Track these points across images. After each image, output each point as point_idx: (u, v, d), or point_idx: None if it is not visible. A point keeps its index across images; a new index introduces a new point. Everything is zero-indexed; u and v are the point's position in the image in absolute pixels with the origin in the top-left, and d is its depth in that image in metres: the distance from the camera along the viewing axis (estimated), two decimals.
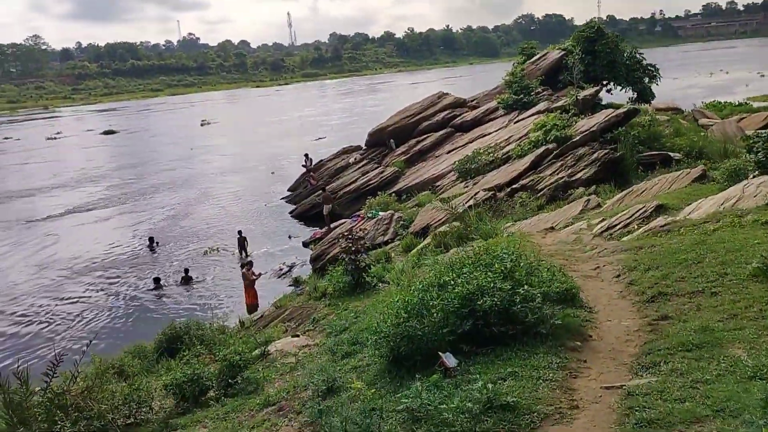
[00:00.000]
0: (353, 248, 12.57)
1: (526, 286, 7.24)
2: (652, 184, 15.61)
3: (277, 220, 33.63)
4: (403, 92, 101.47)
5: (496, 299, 6.98)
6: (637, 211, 12.54)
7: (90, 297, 24.02)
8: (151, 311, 22.36)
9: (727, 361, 5.83)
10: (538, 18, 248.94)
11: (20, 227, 36.09)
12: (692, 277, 8.06)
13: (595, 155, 22.83)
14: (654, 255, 9.28)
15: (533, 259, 8.62)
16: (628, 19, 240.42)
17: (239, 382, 9.23)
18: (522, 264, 7.85)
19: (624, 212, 12.95)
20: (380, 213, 25.64)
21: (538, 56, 41.42)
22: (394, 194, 30.38)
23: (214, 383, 9.41)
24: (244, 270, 22.74)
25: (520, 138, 29.43)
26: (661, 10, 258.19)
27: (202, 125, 78.89)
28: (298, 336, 10.44)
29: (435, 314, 7.07)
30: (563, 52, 39.36)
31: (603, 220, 13.30)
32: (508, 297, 7.05)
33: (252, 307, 22.33)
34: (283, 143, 59.78)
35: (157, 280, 24.64)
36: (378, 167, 35.22)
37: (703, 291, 7.58)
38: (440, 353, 6.90)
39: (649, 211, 12.37)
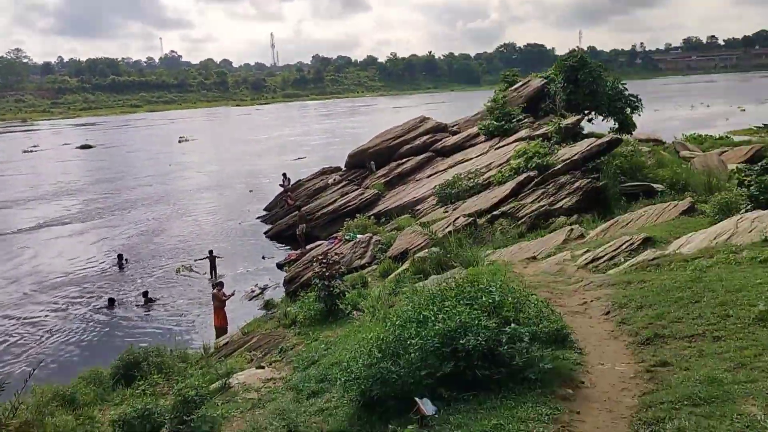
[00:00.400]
0: (327, 273, 11.75)
1: (513, 325, 6.49)
2: (638, 216, 15.05)
3: (251, 239, 32.73)
4: (385, 116, 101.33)
5: (480, 338, 6.22)
6: (624, 243, 11.92)
7: (48, 316, 22.87)
8: (113, 333, 21.27)
9: (742, 420, 5.11)
10: (519, 47, 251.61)
11: None
12: (690, 318, 7.37)
13: (577, 184, 22.34)
14: (645, 291, 8.61)
15: (520, 292, 7.87)
16: (608, 51, 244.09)
17: (195, 420, 8.36)
18: (509, 298, 7.15)
19: (609, 244, 12.32)
20: (358, 236, 24.89)
21: (520, 83, 41.23)
22: (372, 217, 29.65)
23: (168, 420, 8.53)
24: (214, 290, 21.79)
25: (500, 164, 28.95)
26: (642, 43, 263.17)
27: (180, 142, 77.89)
28: (263, 367, 9.57)
29: (412, 354, 6.30)
30: (545, 80, 39.20)
31: (587, 251, 12.67)
32: (494, 336, 6.30)
33: (221, 330, 21.36)
34: (262, 161, 59.08)
35: (111, 300, 23.57)
36: (357, 189, 34.57)
37: (703, 334, 6.88)
38: (417, 399, 6.12)
39: (636, 243, 11.76)
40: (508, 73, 45.32)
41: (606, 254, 11.80)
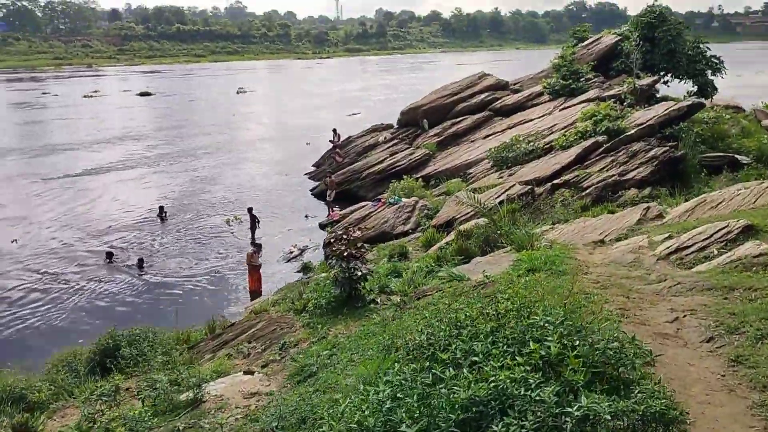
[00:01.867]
0: (347, 253, 9.76)
1: (585, 399, 3.91)
2: (731, 194, 12.45)
3: (297, 196, 31.05)
4: (447, 72, 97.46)
5: (528, 421, 3.81)
6: (718, 230, 9.51)
7: (73, 273, 21.62)
8: (135, 296, 19.90)
9: None
10: (590, 5, 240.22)
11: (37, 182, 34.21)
12: None
13: (652, 152, 19.59)
14: (762, 307, 6.31)
15: (600, 323, 5.28)
16: (684, 12, 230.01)
17: None
18: (578, 342, 4.43)
19: (698, 230, 9.90)
20: (403, 199, 22.81)
21: (590, 40, 37.76)
22: (421, 179, 27.47)
23: None
24: (250, 251, 20.26)
25: (565, 127, 26.22)
26: (720, 5, 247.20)
27: (238, 93, 76.60)
28: (252, 373, 7.72)
29: None
30: (619, 37, 35.70)
31: (669, 236, 10.28)
32: (551, 417, 3.84)
33: (255, 293, 19.95)
34: (321, 115, 56.98)
35: (141, 261, 22.18)
36: (408, 148, 32.32)
37: None
38: None
39: (735, 232, 9.34)
40: (579, 29, 41.71)
41: (695, 243, 9.41)
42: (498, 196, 18.80)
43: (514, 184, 19.23)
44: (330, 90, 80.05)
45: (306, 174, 35.17)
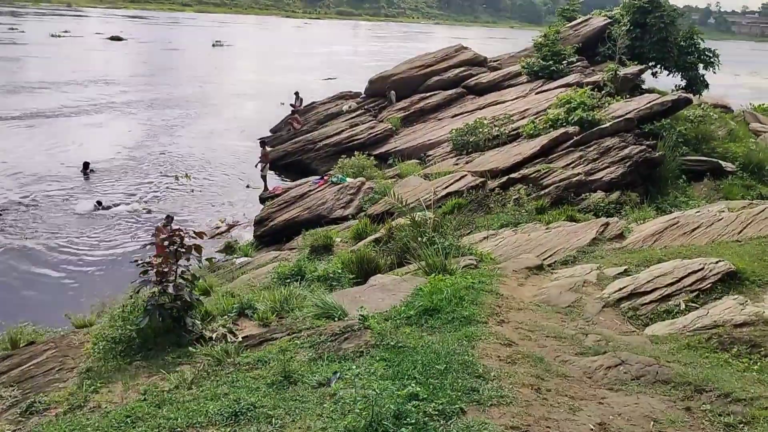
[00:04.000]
0: (173, 265, 6.77)
1: None
2: (711, 217, 9.87)
3: (244, 163, 28.18)
4: (439, 45, 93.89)
5: None
6: (689, 273, 7.08)
7: None
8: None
9: None
10: None
11: None
12: None
13: (627, 151, 17.08)
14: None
15: None
16: (681, 6, 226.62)
17: None
18: None
19: (663, 267, 7.46)
20: (347, 179, 20.17)
21: (578, 21, 34.95)
22: (375, 157, 24.85)
23: None
24: (159, 225, 17.55)
25: (538, 113, 23.65)
26: (717, 2, 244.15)
27: (213, 46, 72.81)
28: None
29: None
30: (609, 20, 32.93)
31: (626, 271, 7.86)
32: None
33: None
34: (298, 76, 53.55)
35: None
36: (371, 121, 29.56)
37: None
38: None
39: (712, 278, 6.90)
40: (567, 8, 38.80)
41: (656, 289, 6.97)
42: (445, 187, 16.27)
43: (466, 174, 16.64)
44: (313, 51, 76.45)
45: (259, 139, 32.27)
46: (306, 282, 10.94)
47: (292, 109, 33.07)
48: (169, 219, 17.64)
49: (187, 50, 68.52)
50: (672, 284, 6.95)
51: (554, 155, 17.83)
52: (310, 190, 19.90)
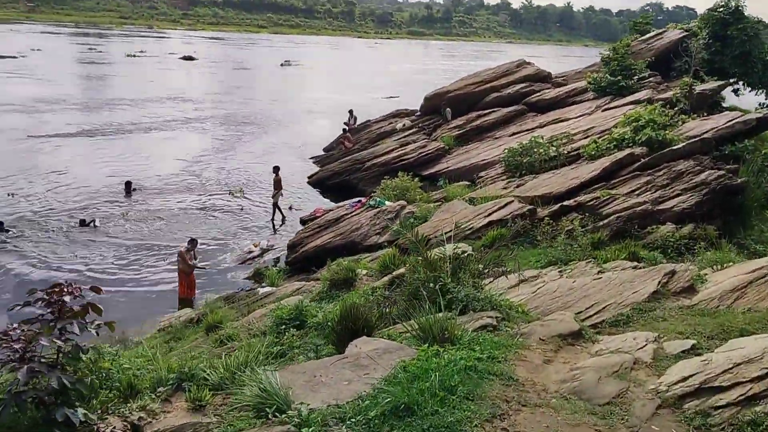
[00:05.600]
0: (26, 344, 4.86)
1: None
2: None
3: (292, 183, 26.76)
4: None
5: None
6: None
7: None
8: None
9: None
10: (666, 8, 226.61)
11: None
12: None
13: (703, 176, 14.56)
14: None
15: None
16: (766, 19, 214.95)
17: None
18: None
19: (748, 349, 5.28)
20: (386, 202, 18.34)
21: (652, 34, 32.13)
22: (423, 178, 23.02)
23: None
24: (182, 249, 16.17)
25: (603, 132, 21.23)
26: None
27: (282, 66, 72.79)
28: None
29: None
30: (685, 33, 30.03)
31: (694, 348, 5.69)
32: None
33: (185, 301, 15.94)
34: (362, 95, 52.33)
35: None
36: (424, 140, 27.71)
37: None
38: None
39: None
40: (640, 21, 35.86)
41: (736, 383, 4.81)
42: (488, 214, 14.20)
43: (513, 200, 14.50)
44: (381, 70, 75.35)
45: (312, 158, 30.99)
46: (304, 330, 9.18)
47: (345, 127, 31.63)
48: (193, 243, 16.28)
49: (256, 70, 68.72)
50: (761, 378, 4.78)
51: (617, 180, 15.47)
52: (345, 214, 18.19)
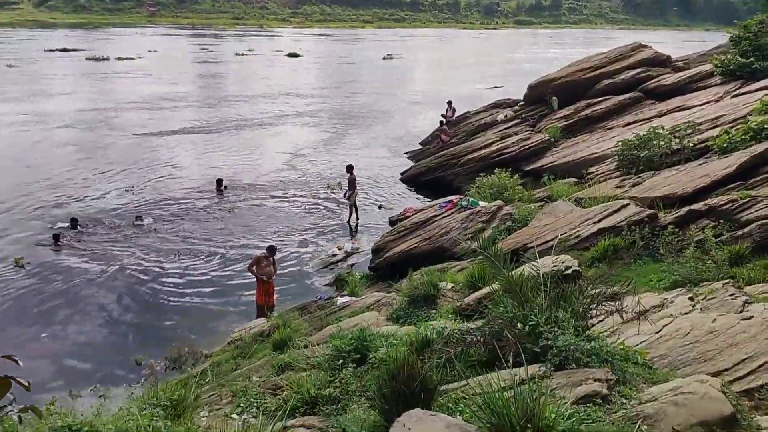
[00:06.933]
0: None
1: None
2: None
3: (382, 181, 25.28)
4: None
5: None
6: None
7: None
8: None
9: None
10: None
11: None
12: None
13: None
14: None
15: None
16: None
17: None
18: None
19: None
20: (480, 203, 16.35)
21: None
22: (525, 173, 20.84)
23: None
24: (260, 255, 14.97)
25: (734, 121, 18.17)
26: None
27: (384, 59, 71.66)
28: None
29: None
30: None
31: None
32: None
33: (262, 309, 14.73)
34: (465, 86, 50.18)
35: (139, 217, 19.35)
36: (527, 131, 25.34)
37: None
38: None
39: None
40: None
41: None
42: (598, 220, 11.93)
43: (629, 203, 12.12)
44: (487, 60, 72.54)
45: (406, 153, 29.34)
46: (365, 367, 7.53)
47: (442, 120, 29.76)
48: (272, 250, 15.00)
49: (359, 64, 67.95)
50: None
51: (757, 178, 12.70)
52: (434, 216, 16.36)
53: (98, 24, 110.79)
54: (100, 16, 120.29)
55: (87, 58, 61.89)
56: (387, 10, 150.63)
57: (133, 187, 23.13)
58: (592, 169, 19.24)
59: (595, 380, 4.96)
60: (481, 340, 6.27)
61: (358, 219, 20.42)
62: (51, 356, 12.73)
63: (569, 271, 8.91)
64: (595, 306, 6.44)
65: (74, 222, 18.80)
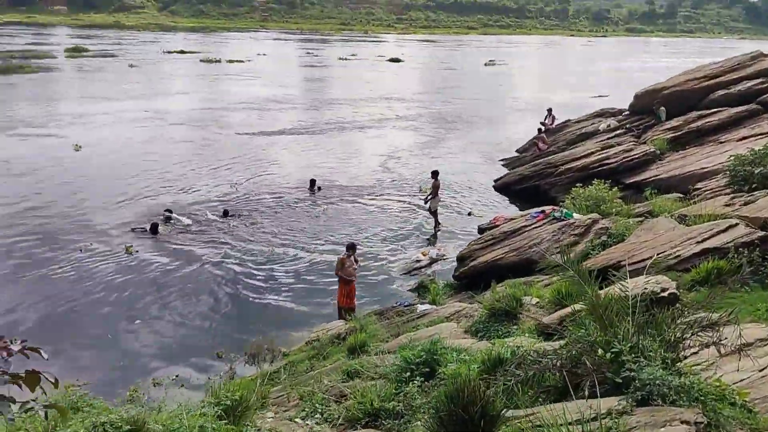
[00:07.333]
0: None
1: None
2: None
3: (475, 187, 24.68)
4: None
5: None
6: None
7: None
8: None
9: None
10: None
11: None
12: None
13: None
14: None
15: None
16: None
17: None
18: None
19: None
20: (574, 215, 15.51)
21: None
22: (625, 186, 19.69)
23: None
24: (342, 256, 14.85)
25: None
26: None
27: (486, 65, 70.72)
28: None
29: None
30: None
31: None
32: None
33: (345, 310, 14.57)
34: (568, 94, 48.73)
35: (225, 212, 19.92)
36: (631, 142, 24.00)
37: None
38: None
39: None
40: None
41: None
42: (701, 240, 10.93)
43: (737, 224, 11.02)
44: (593, 69, 70.08)
45: (501, 160, 28.55)
46: (433, 382, 7.13)
47: (540, 127, 28.79)
48: (353, 248, 14.86)
49: (460, 70, 67.46)
50: None
51: None
52: (524, 226, 15.67)
53: (215, 28, 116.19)
54: (217, 21, 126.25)
55: (201, 60, 64.98)
56: (492, 16, 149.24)
57: (235, 183, 23.81)
58: (699, 185, 17.89)
59: (683, 422, 4.34)
60: (557, 364, 5.73)
61: (437, 225, 19.97)
62: (140, 342, 13.13)
63: (665, 294, 8.17)
64: (689, 335, 5.74)
65: (168, 213, 19.50)
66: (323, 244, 18.18)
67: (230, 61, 64.65)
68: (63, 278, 15.52)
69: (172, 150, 29.09)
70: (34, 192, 21.99)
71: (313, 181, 23.58)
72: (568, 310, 9.12)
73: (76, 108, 38.44)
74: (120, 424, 4.43)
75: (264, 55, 72.30)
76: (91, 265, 16.22)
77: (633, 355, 5.18)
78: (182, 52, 71.84)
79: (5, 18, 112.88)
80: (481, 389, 4.58)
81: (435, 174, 19.90)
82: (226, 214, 20.12)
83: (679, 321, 5.86)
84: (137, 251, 17.16)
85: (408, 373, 7.23)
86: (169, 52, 71.34)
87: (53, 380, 3.42)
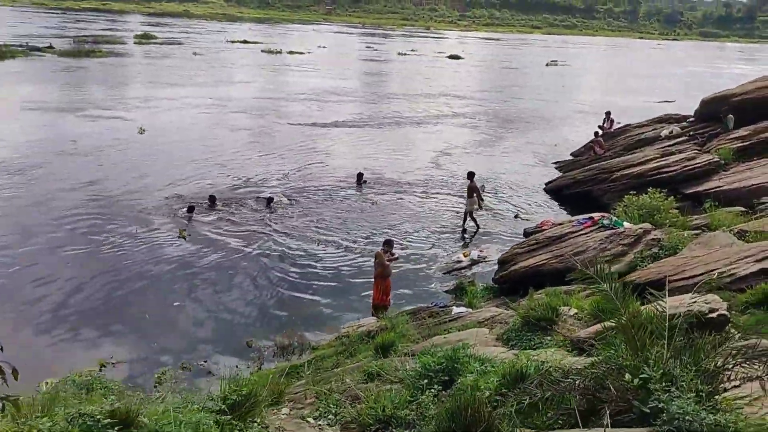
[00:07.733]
0: None
1: None
2: None
3: (526, 190, 23.93)
4: None
5: None
6: None
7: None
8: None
9: None
10: None
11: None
12: None
13: None
14: None
15: None
16: None
17: None
18: None
19: None
20: (624, 224, 14.74)
21: None
22: (684, 197, 18.66)
23: None
24: (379, 251, 14.53)
25: None
26: None
27: (547, 65, 69.17)
28: None
29: None
30: None
31: None
32: None
33: (380, 307, 14.28)
34: (632, 98, 47.14)
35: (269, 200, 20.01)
36: (694, 151, 22.82)
37: None
38: None
39: None
40: None
41: None
42: (760, 258, 10.14)
43: None
44: (662, 73, 67.65)
45: (555, 163, 27.65)
46: (449, 391, 6.72)
47: (598, 131, 27.77)
48: (389, 244, 14.52)
49: (521, 69, 66.21)
50: None
51: None
52: (570, 232, 15.00)
53: (279, 20, 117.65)
54: (282, 12, 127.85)
55: (262, 51, 65.80)
56: (558, 15, 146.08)
57: (287, 172, 23.85)
58: (765, 199, 16.80)
59: None
60: (579, 386, 5.24)
61: (464, 227, 19.36)
62: (175, 324, 13.18)
63: (713, 315, 7.53)
64: (731, 365, 5.16)
65: (212, 199, 19.59)
66: (364, 240, 17.90)
67: (291, 53, 65.23)
68: (114, 257, 15.79)
69: (231, 137, 29.46)
70: (98, 171, 22.58)
71: (360, 175, 23.33)
72: (599, 326, 8.58)
73: (142, 92, 39.42)
74: (99, 417, 4.21)
75: (324, 47, 72.68)
76: (143, 246, 16.46)
77: (664, 384, 4.67)
78: (245, 42, 72.93)
79: (83, 5, 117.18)
80: (486, 409, 4.16)
81: (471, 175, 19.35)
82: (270, 202, 20.09)
83: (721, 348, 5.29)
84: (189, 235, 17.30)
85: (426, 380, 6.85)
86: (233, 42, 72.53)
87: (11, 370, 3.22)
